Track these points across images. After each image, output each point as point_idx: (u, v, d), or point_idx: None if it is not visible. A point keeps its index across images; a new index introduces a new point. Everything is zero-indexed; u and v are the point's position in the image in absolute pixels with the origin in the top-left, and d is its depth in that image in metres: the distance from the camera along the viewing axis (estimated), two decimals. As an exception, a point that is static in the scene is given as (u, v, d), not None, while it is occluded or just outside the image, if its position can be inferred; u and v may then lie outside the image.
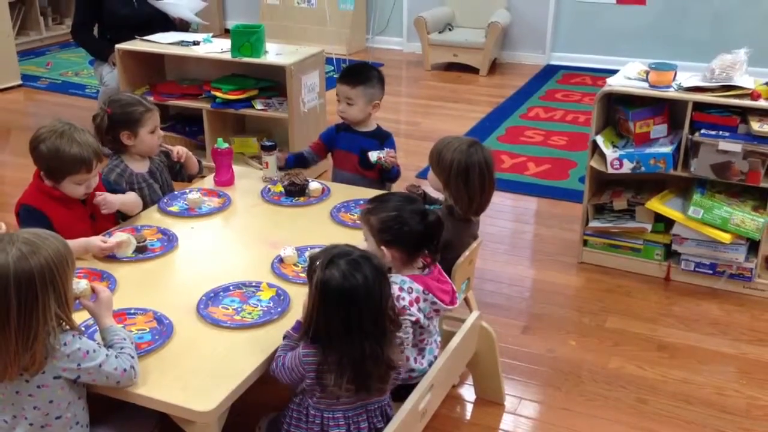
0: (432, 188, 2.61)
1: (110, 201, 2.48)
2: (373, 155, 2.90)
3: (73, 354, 1.69)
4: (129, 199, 2.59)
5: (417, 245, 2.04)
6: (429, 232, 2.03)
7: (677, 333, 2.91)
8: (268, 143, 2.96)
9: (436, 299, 2.07)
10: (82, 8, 4.65)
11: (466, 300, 2.70)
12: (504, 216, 3.93)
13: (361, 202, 2.71)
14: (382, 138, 3.10)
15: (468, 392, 2.59)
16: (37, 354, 1.65)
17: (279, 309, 2.05)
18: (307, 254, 2.25)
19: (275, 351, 1.89)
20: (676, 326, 2.95)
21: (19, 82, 6.19)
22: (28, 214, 2.34)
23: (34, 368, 1.66)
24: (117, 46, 4.27)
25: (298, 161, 3.12)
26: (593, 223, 3.33)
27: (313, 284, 1.76)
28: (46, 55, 7.15)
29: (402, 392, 1.99)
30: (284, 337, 1.88)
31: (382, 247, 2.04)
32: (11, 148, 4.91)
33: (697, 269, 3.18)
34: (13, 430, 1.74)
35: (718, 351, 2.81)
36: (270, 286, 2.16)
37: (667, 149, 3.10)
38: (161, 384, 1.78)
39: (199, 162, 3.01)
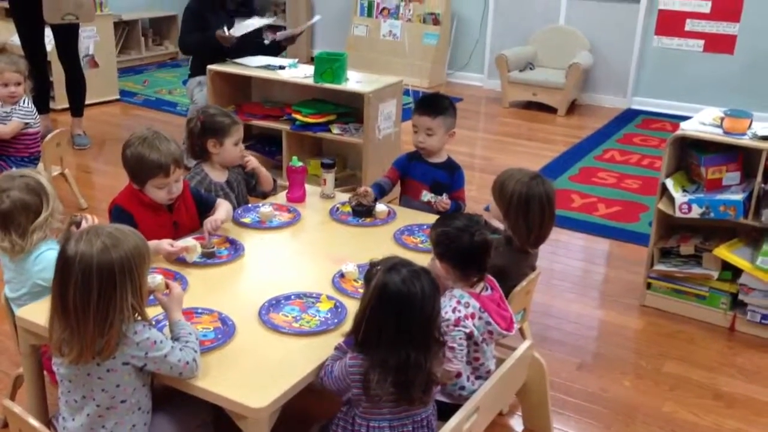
0: (494, 218, 2.66)
1: (220, 219, 2.61)
2: (426, 196, 2.99)
3: (142, 343, 1.81)
4: (227, 208, 2.73)
5: (464, 262, 2.11)
6: (474, 251, 2.10)
7: (736, 383, 2.85)
8: (327, 161, 3.09)
9: (491, 320, 2.13)
10: (190, 22, 4.73)
11: (521, 330, 2.73)
12: (570, 254, 3.93)
13: (425, 226, 2.79)
14: (452, 170, 3.16)
15: (517, 422, 2.61)
16: (111, 340, 1.77)
17: (336, 320, 2.15)
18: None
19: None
20: (736, 377, 2.89)
21: (117, 96, 6.60)
22: (117, 213, 2.51)
23: (107, 353, 1.78)
24: (209, 67, 4.51)
25: (380, 193, 3.09)
26: (658, 266, 3.31)
27: (372, 286, 1.85)
28: (144, 73, 7.58)
29: (449, 412, 2.04)
30: (335, 348, 1.97)
31: (436, 260, 2.13)
32: (104, 158, 5.22)
33: (763, 321, 3.11)
34: (81, 410, 1.87)
35: (778, 405, 2.74)
36: (329, 298, 2.26)
37: (738, 197, 3.07)
38: (220, 379, 1.89)
39: (275, 181, 3.16)
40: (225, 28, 4.50)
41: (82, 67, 5.50)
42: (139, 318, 1.84)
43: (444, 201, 2.98)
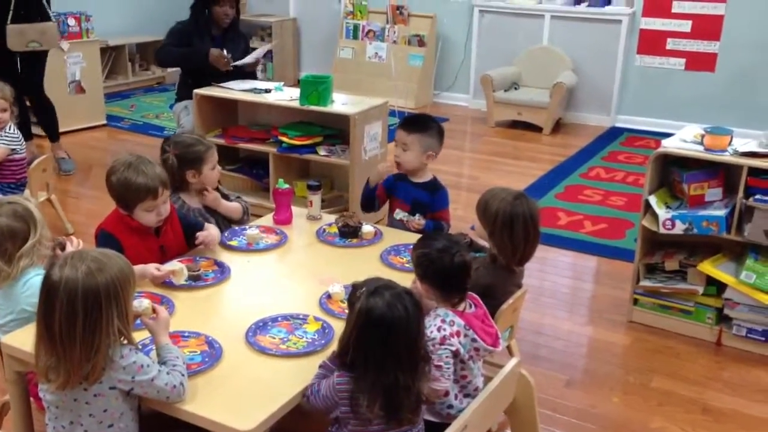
0: (479, 237, 2.68)
1: (214, 236, 2.64)
2: (399, 214, 3.01)
3: (128, 367, 1.81)
4: (216, 232, 2.73)
5: (445, 283, 2.12)
6: (453, 272, 2.10)
7: (724, 398, 2.87)
8: (313, 183, 3.10)
9: (477, 337, 2.13)
10: (175, 37, 4.82)
11: (508, 348, 2.73)
12: (557, 271, 3.96)
13: (411, 247, 2.80)
14: (434, 190, 3.17)
15: (506, 441, 2.61)
16: (97, 364, 1.77)
17: (323, 341, 2.15)
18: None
19: (313, 379, 1.97)
20: (723, 391, 2.91)
21: (104, 121, 6.60)
22: (104, 239, 2.50)
23: (94, 378, 1.78)
24: (195, 91, 4.54)
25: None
26: (644, 283, 3.33)
27: (356, 310, 1.84)
28: (131, 98, 7.59)
29: (437, 431, 2.04)
30: (320, 366, 1.97)
31: (417, 281, 2.15)
32: (91, 183, 5.22)
33: (749, 335, 3.14)
34: (69, 436, 1.87)
35: (765, 419, 2.75)
36: (316, 319, 2.26)
37: (721, 212, 3.10)
38: (207, 402, 1.88)
39: (246, 211, 3.07)
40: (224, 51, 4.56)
41: (69, 92, 5.50)
42: (126, 342, 1.84)
43: (416, 221, 3.00)
